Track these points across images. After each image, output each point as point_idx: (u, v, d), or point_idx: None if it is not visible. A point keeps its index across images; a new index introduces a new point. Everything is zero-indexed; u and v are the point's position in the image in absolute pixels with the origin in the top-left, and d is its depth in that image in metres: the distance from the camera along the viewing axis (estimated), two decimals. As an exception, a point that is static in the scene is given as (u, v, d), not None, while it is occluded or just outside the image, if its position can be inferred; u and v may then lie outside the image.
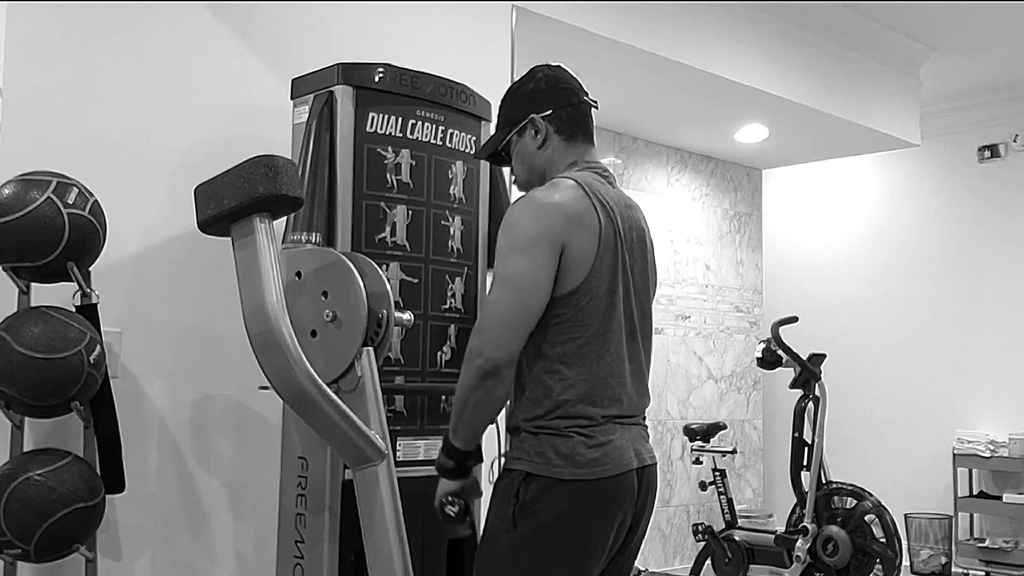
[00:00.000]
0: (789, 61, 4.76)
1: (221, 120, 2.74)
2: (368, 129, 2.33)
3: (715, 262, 6.15)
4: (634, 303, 1.94)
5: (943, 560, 5.48)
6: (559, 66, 2.04)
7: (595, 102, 2.04)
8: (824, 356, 4.85)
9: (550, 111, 1.97)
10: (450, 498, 1.95)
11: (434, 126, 2.42)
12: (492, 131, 2.14)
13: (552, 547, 1.79)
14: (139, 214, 2.59)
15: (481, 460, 2.04)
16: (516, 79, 2.07)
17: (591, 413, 1.84)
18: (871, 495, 4.56)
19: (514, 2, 3.50)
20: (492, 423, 1.90)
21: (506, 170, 2.46)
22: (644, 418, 1.99)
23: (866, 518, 4.52)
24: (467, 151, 2.50)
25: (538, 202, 1.86)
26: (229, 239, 2.04)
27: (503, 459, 1.94)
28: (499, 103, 2.07)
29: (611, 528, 1.84)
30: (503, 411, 1.93)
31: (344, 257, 2.17)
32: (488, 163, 2.57)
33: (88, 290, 2.27)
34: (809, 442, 4.73)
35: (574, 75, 2.04)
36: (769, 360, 4.90)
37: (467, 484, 1.96)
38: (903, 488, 5.83)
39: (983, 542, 5.68)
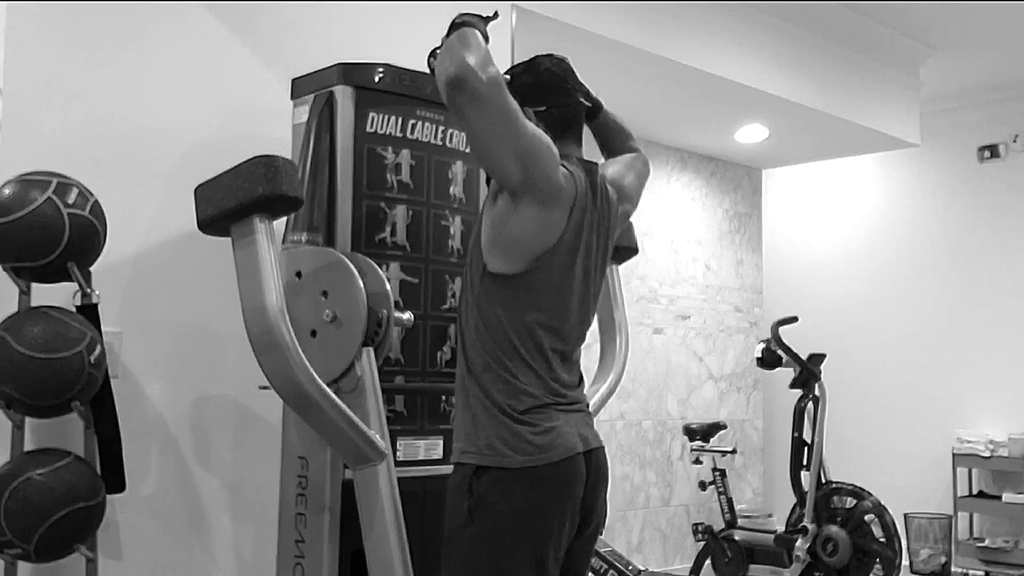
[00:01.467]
0: (789, 61, 4.77)
1: (221, 120, 2.75)
2: (368, 129, 2.33)
3: (715, 262, 6.16)
4: (590, 299, 1.98)
5: (943, 560, 5.49)
6: (563, 61, 2.04)
7: (590, 104, 2.04)
8: (824, 356, 4.86)
9: (544, 108, 1.97)
10: None
11: (434, 126, 2.42)
12: None
13: (510, 536, 1.81)
14: (139, 214, 2.59)
15: None
16: (518, 65, 2.05)
17: (528, 394, 1.85)
18: (871, 495, 4.56)
19: (514, 2, 3.50)
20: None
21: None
22: (587, 405, 2.02)
23: (866, 518, 4.53)
24: (467, 151, 2.51)
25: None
26: (229, 239, 2.04)
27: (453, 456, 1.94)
28: None
29: (565, 512, 1.86)
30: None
31: (344, 257, 2.18)
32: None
33: (88, 290, 2.27)
34: (809, 442, 4.74)
35: (574, 72, 2.03)
36: (769, 360, 4.91)
37: None
38: (903, 488, 5.83)
39: (982, 542, 5.69)
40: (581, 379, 2.02)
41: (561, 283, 1.90)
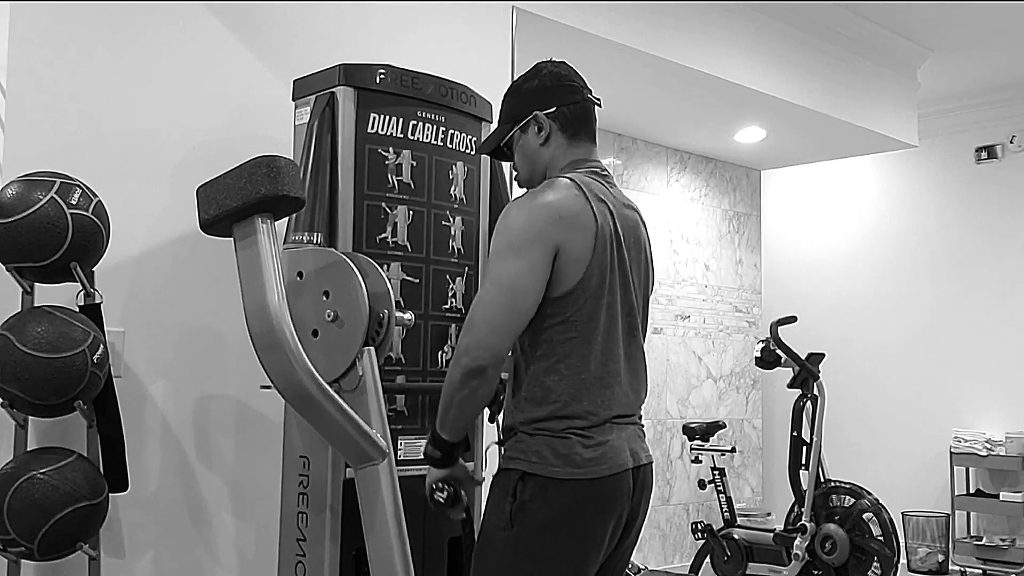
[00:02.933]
0: (787, 63, 4.78)
1: (223, 121, 2.76)
2: (369, 130, 2.34)
3: (714, 262, 6.17)
4: (634, 301, 1.95)
5: (940, 558, 5.50)
6: (563, 63, 2.04)
7: (599, 100, 2.04)
8: (822, 355, 4.87)
9: (554, 108, 1.97)
10: (439, 484, 1.97)
11: (435, 127, 2.44)
12: (494, 127, 2.15)
13: (549, 545, 1.80)
14: (142, 214, 2.61)
15: (469, 449, 2.05)
16: (520, 75, 2.06)
17: (589, 414, 1.84)
18: (869, 493, 4.58)
19: (514, 3, 3.51)
20: (477, 417, 1.91)
21: (506, 165, 2.47)
22: (641, 417, 2.00)
23: (864, 516, 4.54)
24: (468, 152, 2.52)
25: (534, 203, 1.86)
26: (231, 239, 2.06)
27: (500, 459, 1.95)
28: (502, 98, 2.07)
29: (607, 526, 1.85)
30: (501, 409, 1.94)
31: (345, 257, 2.19)
32: (488, 163, 2.59)
33: (91, 290, 2.28)
34: (807, 441, 4.75)
35: (578, 72, 2.04)
36: (768, 359, 4.91)
37: (455, 471, 1.99)
38: (901, 486, 5.85)
39: (980, 540, 5.70)
40: (645, 387, 2.00)
41: (611, 283, 1.88)
